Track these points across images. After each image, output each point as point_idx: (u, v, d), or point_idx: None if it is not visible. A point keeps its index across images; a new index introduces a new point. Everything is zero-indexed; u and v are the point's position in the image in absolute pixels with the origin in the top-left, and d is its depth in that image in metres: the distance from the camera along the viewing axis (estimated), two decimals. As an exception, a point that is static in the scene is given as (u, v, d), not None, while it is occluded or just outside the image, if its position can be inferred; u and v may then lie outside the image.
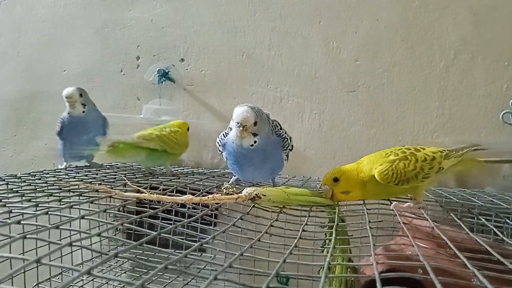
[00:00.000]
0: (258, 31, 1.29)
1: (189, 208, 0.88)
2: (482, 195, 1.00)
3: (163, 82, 1.36)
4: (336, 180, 0.74)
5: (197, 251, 1.45)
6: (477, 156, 0.85)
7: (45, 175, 0.92)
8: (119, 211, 1.40)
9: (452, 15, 1.17)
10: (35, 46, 1.44)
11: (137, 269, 1.29)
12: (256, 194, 0.67)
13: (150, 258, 1.29)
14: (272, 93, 1.29)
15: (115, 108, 1.41)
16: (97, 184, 0.73)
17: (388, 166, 0.72)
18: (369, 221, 0.63)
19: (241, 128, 0.77)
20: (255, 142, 0.80)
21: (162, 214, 0.66)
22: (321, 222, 0.72)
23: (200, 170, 1.21)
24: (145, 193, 0.65)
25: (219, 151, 0.90)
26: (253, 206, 0.69)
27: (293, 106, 1.28)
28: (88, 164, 1.12)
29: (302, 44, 1.27)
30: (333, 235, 0.56)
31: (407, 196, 0.86)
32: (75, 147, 1.05)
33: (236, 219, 0.62)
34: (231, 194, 0.67)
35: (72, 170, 1.03)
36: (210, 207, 0.71)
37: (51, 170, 1.01)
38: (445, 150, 0.78)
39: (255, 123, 0.78)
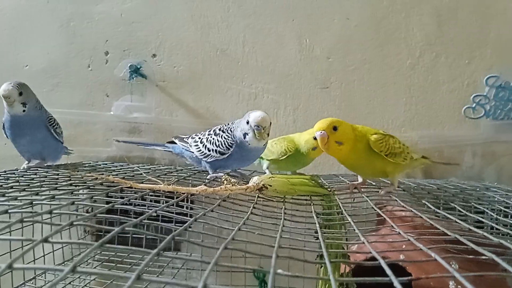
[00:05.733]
0: (232, 28, 1.30)
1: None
2: (448, 185, 1.06)
3: (134, 78, 1.33)
4: (335, 128, 0.75)
5: (172, 250, 1.42)
6: (428, 158, 0.95)
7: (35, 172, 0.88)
8: (87, 212, 1.36)
9: (418, 16, 1.24)
10: (-5, 39, 1.36)
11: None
12: (263, 185, 0.68)
13: (124, 260, 1.26)
14: (247, 90, 1.30)
15: (83, 105, 1.36)
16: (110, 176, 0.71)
17: (382, 136, 0.79)
18: (363, 208, 0.65)
19: (262, 131, 0.86)
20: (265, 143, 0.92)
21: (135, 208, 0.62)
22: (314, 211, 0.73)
23: (180, 168, 1.19)
24: (161, 184, 0.64)
25: (226, 151, 0.92)
26: (259, 196, 0.69)
27: (268, 102, 1.30)
28: (49, 164, 1.07)
29: (276, 41, 1.29)
30: (338, 220, 0.58)
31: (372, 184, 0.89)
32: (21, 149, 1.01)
33: (250, 209, 0.61)
34: (234, 185, 0.67)
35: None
36: (185, 200, 0.71)
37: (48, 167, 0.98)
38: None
39: (270, 123, 0.88)
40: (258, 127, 0.85)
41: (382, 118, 1.26)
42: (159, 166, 1.22)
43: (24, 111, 0.95)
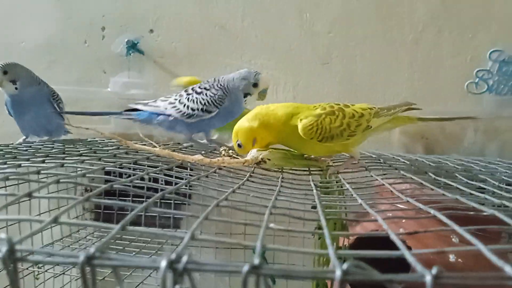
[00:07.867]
0: (231, 2, 1.27)
1: (162, 183, 0.87)
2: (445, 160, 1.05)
3: (131, 54, 1.31)
4: (239, 146, 0.72)
5: (171, 227, 1.42)
6: (413, 115, 0.83)
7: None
8: (86, 190, 1.35)
9: (421, -11, 1.21)
10: (-11, 15, 1.34)
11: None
12: (261, 159, 0.66)
13: (122, 236, 1.26)
14: (246, 66, 1.28)
15: (80, 82, 1.34)
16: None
17: (313, 120, 0.67)
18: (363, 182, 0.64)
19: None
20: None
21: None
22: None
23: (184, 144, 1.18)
24: (157, 147, 0.63)
25: (214, 109, 0.90)
26: (255, 168, 0.68)
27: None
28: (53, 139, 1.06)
29: (276, 16, 1.26)
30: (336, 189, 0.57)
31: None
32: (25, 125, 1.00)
33: (244, 180, 0.58)
34: (234, 157, 0.66)
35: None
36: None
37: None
38: (375, 108, 0.75)
39: None
40: (265, 90, 0.93)
41: (384, 94, 1.24)
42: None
43: (16, 88, 0.95)
